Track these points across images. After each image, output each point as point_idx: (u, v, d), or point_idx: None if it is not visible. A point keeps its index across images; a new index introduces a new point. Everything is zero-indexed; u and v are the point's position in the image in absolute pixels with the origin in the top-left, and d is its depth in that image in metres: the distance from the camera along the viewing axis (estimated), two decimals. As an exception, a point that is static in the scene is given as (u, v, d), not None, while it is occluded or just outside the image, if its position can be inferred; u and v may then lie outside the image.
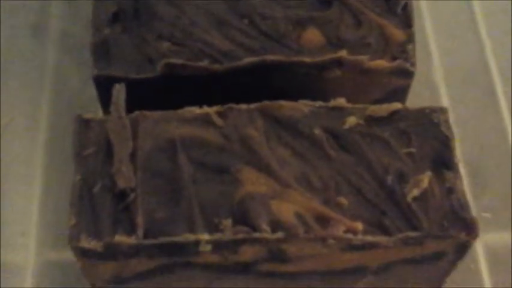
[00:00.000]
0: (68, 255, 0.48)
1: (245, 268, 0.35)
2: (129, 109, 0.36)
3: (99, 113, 0.46)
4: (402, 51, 0.39)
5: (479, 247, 0.49)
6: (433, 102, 0.52)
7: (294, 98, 0.37)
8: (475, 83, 0.55)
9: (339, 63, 0.39)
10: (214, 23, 0.40)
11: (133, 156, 0.34)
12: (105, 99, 0.38)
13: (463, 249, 0.34)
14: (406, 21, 0.40)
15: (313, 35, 0.39)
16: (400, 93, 0.41)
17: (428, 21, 0.56)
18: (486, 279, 0.47)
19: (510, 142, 0.53)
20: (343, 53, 0.38)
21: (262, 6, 0.40)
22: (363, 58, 0.38)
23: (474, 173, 0.49)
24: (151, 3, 0.40)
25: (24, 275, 0.47)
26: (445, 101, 0.53)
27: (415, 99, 0.44)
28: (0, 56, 0.53)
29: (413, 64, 0.39)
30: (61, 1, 0.55)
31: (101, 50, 0.39)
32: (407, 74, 0.40)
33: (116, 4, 0.40)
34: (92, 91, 0.42)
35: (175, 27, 0.40)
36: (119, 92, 0.36)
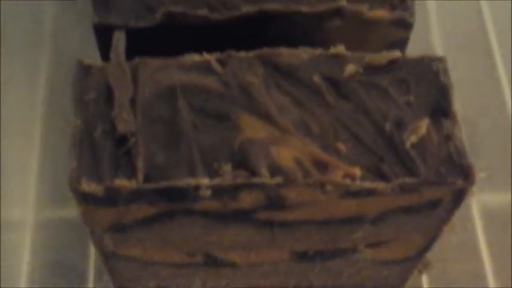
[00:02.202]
0: (67, 212, 0.48)
1: (244, 216, 0.35)
2: (129, 57, 0.36)
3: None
4: (401, 2, 0.39)
5: (475, 207, 0.49)
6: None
7: (293, 47, 0.37)
8: (472, 45, 0.56)
9: (338, 12, 0.39)
10: (213, -29, 0.40)
11: (133, 102, 0.34)
12: (105, 48, 0.38)
13: (459, 196, 0.34)
14: (405, -29, 0.40)
15: (312, -15, 0.39)
16: (398, 45, 0.41)
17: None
18: (481, 238, 0.48)
19: (507, 103, 0.53)
20: (342, 3, 0.38)
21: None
22: (363, 8, 0.38)
23: (471, 134, 0.50)
24: (149, -45, 0.40)
25: (23, 231, 0.47)
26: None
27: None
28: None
29: (412, 14, 0.39)
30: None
31: (101, -2, 0.39)
32: (407, 25, 0.40)
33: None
34: (92, 46, 0.42)
35: (174, -22, 0.39)
36: (119, 39, 0.36)
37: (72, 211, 0.46)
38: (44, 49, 0.52)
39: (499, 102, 0.54)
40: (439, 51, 0.55)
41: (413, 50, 0.42)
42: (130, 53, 0.36)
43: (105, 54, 0.39)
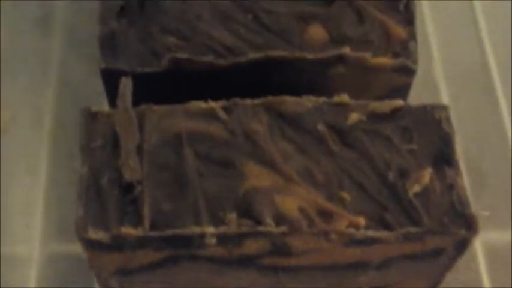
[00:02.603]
0: (73, 247, 0.48)
1: (249, 261, 0.35)
2: (136, 102, 0.37)
3: (105, 106, 0.47)
4: (404, 49, 0.40)
5: (478, 245, 0.49)
6: (433, 99, 0.52)
7: (298, 93, 0.38)
8: (474, 81, 0.56)
9: (342, 59, 0.39)
10: (219, 17, 0.40)
11: (139, 149, 0.35)
12: (112, 92, 0.39)
13: (462, 245, 0.35)
14: (408, 18, 0.41)
15: (316, 31, 0.40)
16: (401, 91, 0.42)
17: (429, 18, 0.56)
18: (485, 277, 0.48)
19: (509, 140, 0.53)
20: (346, 50, 0.39)
21: (266, 1, 0.41)
22: (366, 55, 0.39)
23: (473, 171, 0.50)
24: (156, -3, 0.41)
25: (28, 267, 0.47)
26: (444, 98, 0.53)
27: (415, 96, 0.44)
28: (2, 49, 0.53)
29: (415, 62, 0.40)
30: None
31: (108, 44, 0.39)
32: (409, 72, 0.40)
33: (121, -2, 0.41)
34: (97, 84, 0.42)
35: (180, 22, 0.40)
36: (126, 85, 0.37)
37: (77, 247, 0.46)
38: (50, 83, 0.52)
39: (502, 138, 0.54)
40: (441, 85, 0.55)
41: (415, 85, 0.42)
42: (136, 98, 0.37)
43: (112, 98, 0.40)
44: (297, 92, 0.38)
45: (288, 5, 0.40)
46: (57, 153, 0.50)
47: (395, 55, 0.40)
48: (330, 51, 0.39)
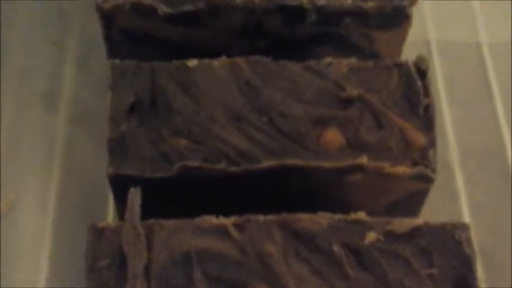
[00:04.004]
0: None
1: None
2: (144, 206, 0.35)
3: (109, 193, 0.46)
4: (423, 157, 0.38)
5: None
6: (448, 185, 0.51)
7: (313, 199, 0.37)
8: (490, 166, 0.54)
9: (359, 168, 0.38)
10: (232, 118, 0.39)
11: (147, 269, 0.34)
12: (119, 197, 0.38)
13: None
14: (428, 123, 0.39)
15: (333, 136, 0.39)
16: (419, 195, 0.40)
17: (445, 101, 0.55)
18: None
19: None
20: (363, 160, 0.38)
21: (281, 102, 0.39)
22: (384, 165, 0.38)
23: (488, 262, 0.48)
24: (168, 95, 0.40)
25: None
26: (460, 183, 0.52)
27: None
28: (5, 127, 0.51)
29: (433, 170, 0.39)
30: (72, 68, 0.54)
31: (117, 147, 0.38)
32: (428, 180, 0.39)
33: (132, 95, 0.39)
34: (103, 164, 0.41)
35: (192, 122, 0.39)
36: (134, 197, 0.35)
37: None
38: (55, 164, 0.51)
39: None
40: (456, 169, 0.54)
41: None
42: (145, 202, 0.36)
43: (119, 202, 0.39)
44: (312, 198, 0.37)
45: (304, 107, 0.39)
46: (61, 240, 0.48)
47: (414, 163, 0.38)
48: (347, 160, 0.38)
